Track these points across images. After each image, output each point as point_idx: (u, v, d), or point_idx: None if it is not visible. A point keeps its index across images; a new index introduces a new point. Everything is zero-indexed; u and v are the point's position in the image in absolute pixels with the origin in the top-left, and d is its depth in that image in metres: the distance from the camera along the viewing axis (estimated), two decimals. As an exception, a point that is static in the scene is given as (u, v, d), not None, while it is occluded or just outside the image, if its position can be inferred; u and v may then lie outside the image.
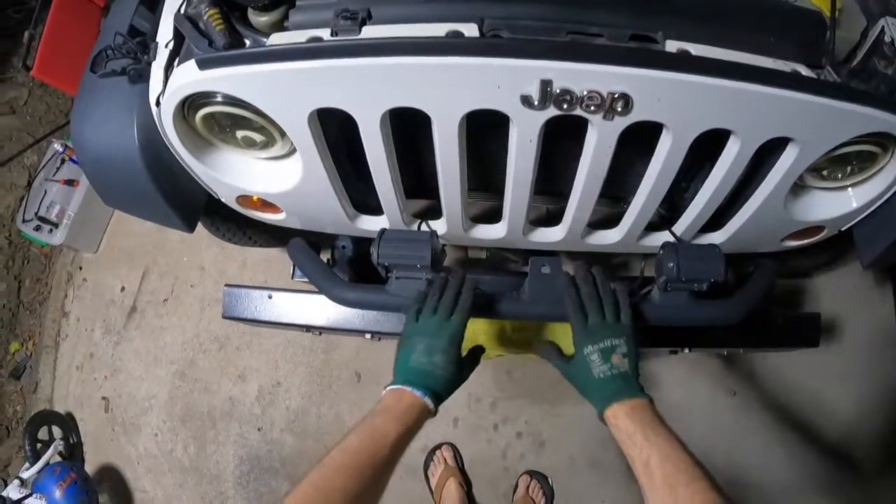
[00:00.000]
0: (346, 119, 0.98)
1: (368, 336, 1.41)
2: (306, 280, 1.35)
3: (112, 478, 2.61)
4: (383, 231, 1.13)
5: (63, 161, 2.70)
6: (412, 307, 1.07)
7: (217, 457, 2.43)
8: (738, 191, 1.16)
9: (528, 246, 1.30)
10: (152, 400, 2.57)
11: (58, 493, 2.22)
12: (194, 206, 1.32)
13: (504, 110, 0.92)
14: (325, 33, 0.99)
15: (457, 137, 0.97)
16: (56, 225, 2.64)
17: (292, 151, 1.13)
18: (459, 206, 1.14)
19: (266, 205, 1.25)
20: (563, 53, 0.86)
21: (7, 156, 3.02)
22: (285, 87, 0.95)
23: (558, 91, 0.88)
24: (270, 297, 1.42)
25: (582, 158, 1.03)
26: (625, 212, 1.21)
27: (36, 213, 2.64)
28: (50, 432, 2.59)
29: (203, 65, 0.94)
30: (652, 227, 1.25)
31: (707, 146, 1.02)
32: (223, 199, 1.27)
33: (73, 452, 2.64)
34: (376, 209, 1.21)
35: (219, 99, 1.01)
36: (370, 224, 1.24)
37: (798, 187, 1.17)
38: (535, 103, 0.90)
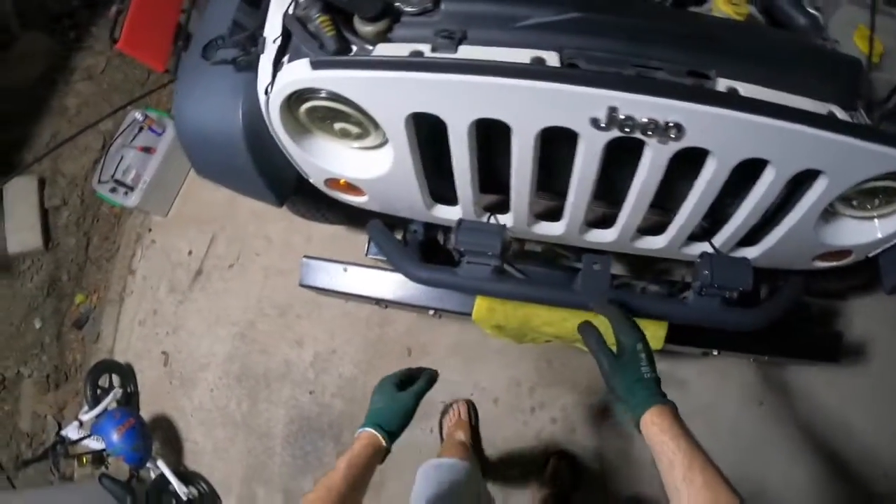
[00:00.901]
0: (436, 121, 1.20)
1: (431, 312, 1.64)
2: (380, 258, 1.58)
3: (164, 427, 2.87)
4: (461, 221, 1.35)
5: (141, 129, 2.96)
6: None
7: (268, 415, 2.69)
8: (773, 212, 1.35)
9: (582, 244, 1.50)
10: (211, 357, 2.83)
11: (116, 436, 2.48)
12: (286, 184, 1.54)
13: (575, 129, 1.13)
14: (425, 48, 1.19)
15: (532, 148, 1.18)
16: (131, 188, 2.91)
17: (384, 143, 1.34)
18: (527, 204, 1.35)
19: (351, 188, 1.48)
20: (629, 86, 1.06)
21: (83, 120, 3.31)
22: (389, 92, 1.16)
23: (623, 117, 1.08)
24: (346, 270, 1.66)
25: (637, 173, 1.23)
26: (671, 222, 1.40)
27: (112, 176, 2.91)
28: (110, 380, 2.87)
29: (317, 66, 1.15)
30: (693, 237, 1.45)
31: (747, 171, 1.21)
32: (311, 180, 1.50)
33: (130, 401, 2.92)
34: (451, 200, 1.42)
35: (323, 94, 1.22)
36: (445, 213, 1.46)
37: (828, 213, 1.34)
38: (602, 125, 1.09)
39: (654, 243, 1.47)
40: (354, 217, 1.83)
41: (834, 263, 1.53)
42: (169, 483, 2.62)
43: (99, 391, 2.77)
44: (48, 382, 3.17)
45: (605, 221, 1.46)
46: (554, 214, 1.45)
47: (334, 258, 1.79)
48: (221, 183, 1.61)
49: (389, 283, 1.63)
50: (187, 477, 2.76)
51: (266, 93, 1.28)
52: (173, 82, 1.72)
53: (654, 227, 1.49)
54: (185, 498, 2.63)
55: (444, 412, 2.53)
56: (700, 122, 1.08)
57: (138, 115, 2.95)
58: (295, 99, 1.28)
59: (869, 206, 1.35)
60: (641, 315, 1.42)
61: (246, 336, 2.79)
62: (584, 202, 1.32)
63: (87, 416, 2.68)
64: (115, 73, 3.47)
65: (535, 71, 1.09)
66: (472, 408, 2.52)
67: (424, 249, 1.66)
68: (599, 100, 1.07)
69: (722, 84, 1.15)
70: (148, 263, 3.07)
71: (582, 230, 1.44)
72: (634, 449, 2.39)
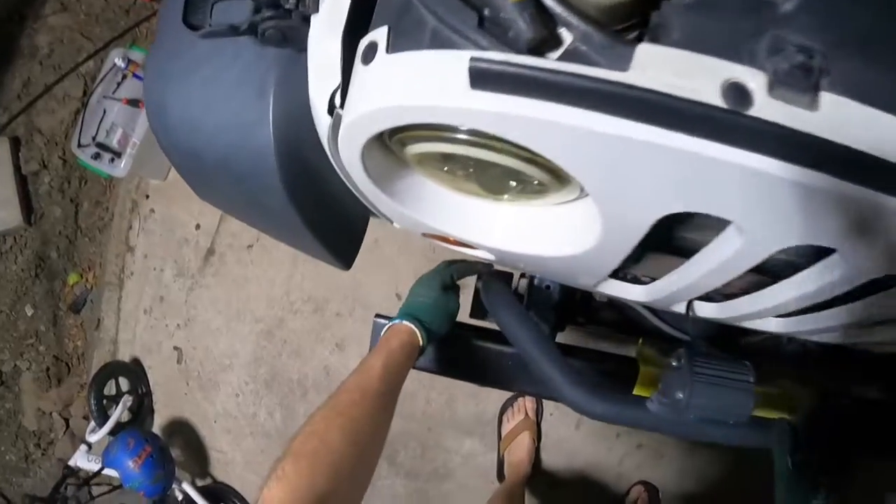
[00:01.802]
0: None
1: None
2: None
3: (184, 433, 2.38)
4: (694, 370, 0.70)
5: (124, 77, 2.28)
6: None
7: (307, 429, 2.18)
8: None
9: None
10: (233, 358, 2.28)
11: (132, 469, 1.96)
12: (352, 234, 0.94)
13: None
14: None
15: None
16: (118, 154, 2.26)
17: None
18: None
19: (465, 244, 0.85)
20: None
21: (58, 61, 2.63)
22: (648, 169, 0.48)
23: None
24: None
25: None
26: None
27: (94, 138, 2.25)
28: (117, 386, 2.35)
29: (489, 80, 0.45)
30: None
31: None
32: (398, 226, 0.88)
33: (143, 403, 2.41)
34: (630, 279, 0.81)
35: (463, 137, 0.57)
36: (619, 290, 0.84)
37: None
38: None
39: None
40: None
41: None
42: (196, 505, 2.15)
43: (105, 401, 2.25)
44: (49, 377, 2.66)
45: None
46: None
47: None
48: (246, 222, 1.01)
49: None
50: (217, 493, 2.29)
51: (330, 111, 0.64)
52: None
53: None
54: (217, 525, 2.16)
55: (505, 407, 2.04)
56: None
57: (119, 61, 2.26)
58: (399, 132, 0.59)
59: None
60: None
61: (274, 335, 2.22)
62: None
63: (95, 436, 2.15)
64: (93, 0, 2.73)
65: None
66: (539, 404, 2.04)
67: (559, 313, 1.05)
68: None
69: None
70: (148, 239, 2.47)
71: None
72: (725, 482, 1.90)
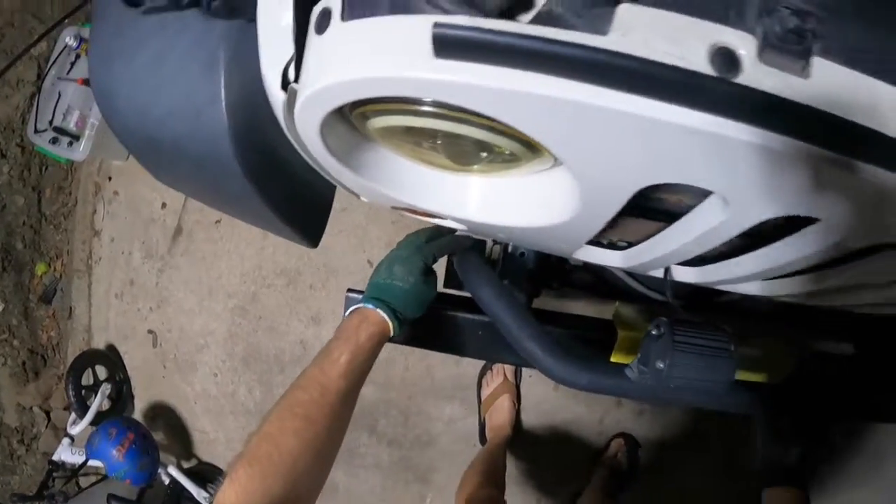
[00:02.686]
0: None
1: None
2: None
3: (166, 415, 2.34)
4: (675, 340, 0.67)
5: (77, 56, 2.17)
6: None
7: (287, 403, 2.13)
8: None
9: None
10: (208, 337, 2.22)
11: (116, 458, 1.91)
12: (318, 210, 0.88)
13: None
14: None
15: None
16: (76, 137, 2.16)
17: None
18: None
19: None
20: None
21: (8, 45, 2.48)
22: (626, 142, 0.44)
23: None
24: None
25: None
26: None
27: (51, 123, 2.15)
28: (94, 375, 2.28)
29: (455, 48, 0.40)
30: None
31: None
32: (364, 199, 0.82)
33: (122, 390, 2.35)
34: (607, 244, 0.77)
35: (428, 109, 0.55)
36: (595, 256, 0.80)
37: None
38: None
39: None
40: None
41: None
42: (184, 489, 2.11)
43: (84, 391, 2.18)
44: (25, 371, 2.57)
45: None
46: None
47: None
48: (210, 205, 0.94)
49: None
50: (203, 474, 2.25)
51: (284, 86, 0.58)
52: None
53: None
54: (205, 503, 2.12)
55: (484, 371, 2.00)
56: None
57: (70, 40, 2.14)
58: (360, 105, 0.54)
59: None
60: None
61: (248, 311, 2.16)
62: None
63: (77, 427, 2.09)
64: (43, -26, 2.57)
65: None
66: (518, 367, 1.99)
67: (532, 280, 1.01)
68: None
69: None
70: (114, 222, 2.38)
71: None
72: (702, 428, 1.90)
